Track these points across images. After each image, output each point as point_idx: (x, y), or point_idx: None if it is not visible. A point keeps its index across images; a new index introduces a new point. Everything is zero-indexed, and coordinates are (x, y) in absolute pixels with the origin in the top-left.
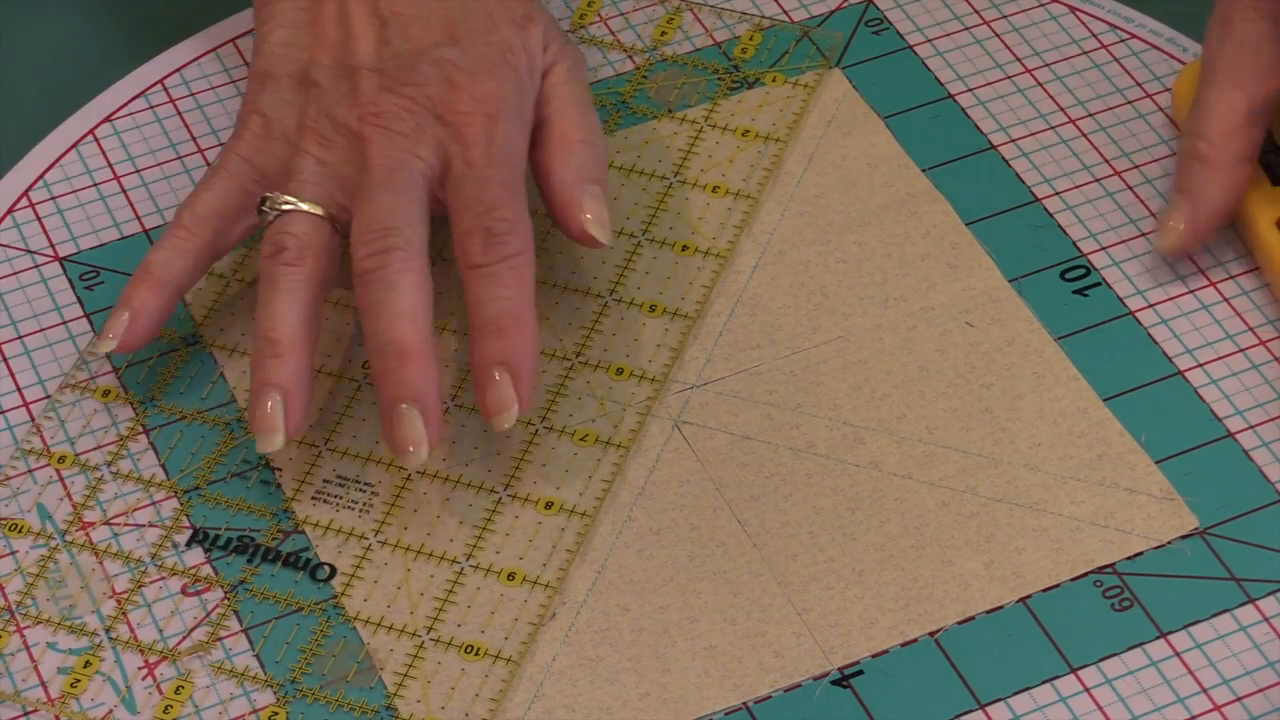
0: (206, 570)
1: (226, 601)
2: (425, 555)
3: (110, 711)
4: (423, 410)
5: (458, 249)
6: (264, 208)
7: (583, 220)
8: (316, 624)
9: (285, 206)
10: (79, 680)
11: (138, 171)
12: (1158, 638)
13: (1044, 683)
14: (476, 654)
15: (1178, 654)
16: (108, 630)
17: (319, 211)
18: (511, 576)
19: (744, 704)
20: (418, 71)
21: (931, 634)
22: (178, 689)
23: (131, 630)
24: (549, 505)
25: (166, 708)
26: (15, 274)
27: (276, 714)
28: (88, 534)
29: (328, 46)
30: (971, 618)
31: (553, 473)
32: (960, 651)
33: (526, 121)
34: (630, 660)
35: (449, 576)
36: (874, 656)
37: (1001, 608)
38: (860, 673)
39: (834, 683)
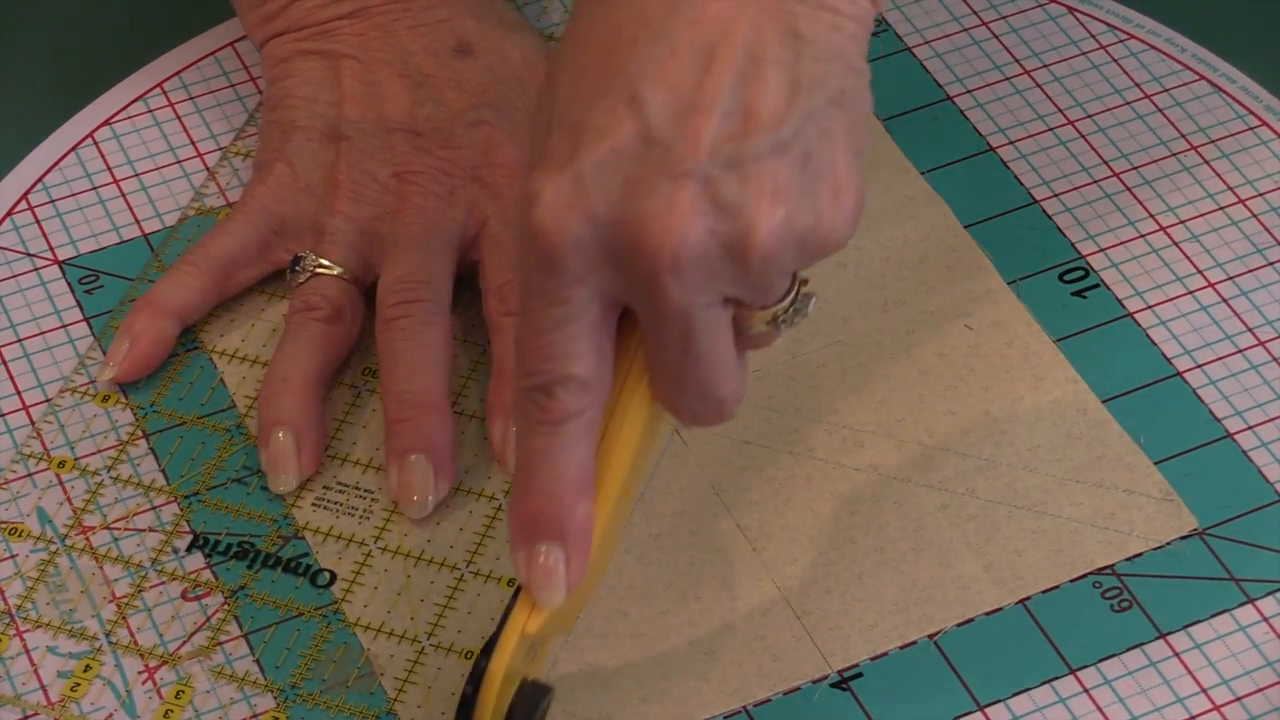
0: (207, 575)
1: (227, 606)
2: (425, 561)
3: (110, 715)
4: (435, 463)
5: (493, 298)
6: (296, 268)
7: None
8: (317, 629)
9: (318, 269)
10: (79, 684)
11: (137, 175)
12: (1157, 638)
13: (1043, 684)
14: None
15: (1177, 654)
16: (108, 634)
17: (347, 275)
18: (512, 582)
19: (743, 708)
20: (455, 135)
21: (931, 636)
22: (178, 693)
23: (131, 634)
24: None
25: (166, 712)
26: (14, 277)
27: (277, 718)
28: (88, 538)
29: (355, 103)
30: (971, 620)
31: None
32: (959, 653)
33: None
34: (630, 665)
35: (449, 582)
36: (873, 659)
37: (1001, 609)
38: (860, 675)
39: (833, 685)
